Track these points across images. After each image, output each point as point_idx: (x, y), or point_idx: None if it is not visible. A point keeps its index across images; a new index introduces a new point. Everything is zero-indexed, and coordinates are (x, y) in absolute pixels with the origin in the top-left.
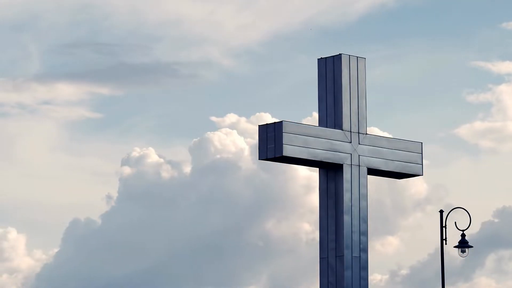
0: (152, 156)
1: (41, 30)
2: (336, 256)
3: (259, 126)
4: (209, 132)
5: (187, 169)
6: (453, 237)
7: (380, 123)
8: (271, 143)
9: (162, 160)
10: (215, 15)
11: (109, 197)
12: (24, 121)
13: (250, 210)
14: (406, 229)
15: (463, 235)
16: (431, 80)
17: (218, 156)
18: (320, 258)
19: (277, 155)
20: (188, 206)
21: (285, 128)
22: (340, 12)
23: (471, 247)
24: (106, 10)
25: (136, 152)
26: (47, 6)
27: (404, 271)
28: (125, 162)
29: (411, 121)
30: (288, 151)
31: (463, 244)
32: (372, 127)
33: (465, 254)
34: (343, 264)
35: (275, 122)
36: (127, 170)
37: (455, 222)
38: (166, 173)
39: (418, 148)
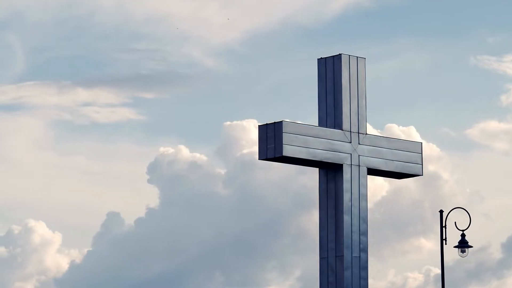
0: (183, 157)
1: (26, 29)
2: (336, 256)
3: (259, 126)
4: (232, 132)
5: (219, 170)
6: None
7: (398, 121)
8: (271, 143)
9: (193, 161)
10: (199, 12)
11: (148, 206)
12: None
13: (281, 209)
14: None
15: (463, 235)
16: (432, 79)
17: (246, 153)
18: (320, 258)
19: (277, 155)
20: (220, 207)
21: (285, 128)
22: (316, 11)
23: (471, 247)
24: (92, 7)
25: (166, 153)
26: (31, 4)
27: (438, 270)
28: (154, 165)
29: (427, 121)
30: (288, 151)
31: (463, 244)
32: (391, 124)
33: (465, 254)
34: (343, 264)
35: (275, 122)
36: (158, 172)
37: (455, 222)
38: (197, 174)
39: (418, 148)
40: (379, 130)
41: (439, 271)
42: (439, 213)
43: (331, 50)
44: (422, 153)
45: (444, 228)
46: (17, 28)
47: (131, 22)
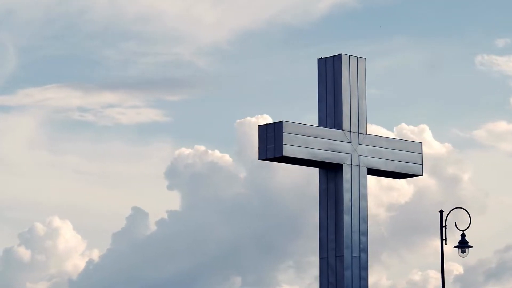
0: (201, 158)
1: (17, 26)
2: (336, 256)
3: (259, 126)
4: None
5: (237, 170)
6: None
7: (410, 120)
8: (271, 143)
9: (211, 161)
10: (190, 11)
11: (168, 209)
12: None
13: (299, 209)
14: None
15: (463, 235)
16: (436, 80)
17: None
18: (320, 258)
19: (277, 155)
20: (238, 207)
21: (285, 128)
22: (303, 10)
23: (471, 247)
24: (83, 4)
25: (183, 154)
26: (22, 1)
27: (460, 270)
28: (172, 166)
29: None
30: (288, 151)
31: (463, 244)
32: (402, 124)
33: (465, 254)
34: (343, 264)
35: (275, 122)
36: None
37: (455, 222)
38: (215, 174)
39: (418, 148)
40: (392, 132)
41: (461, 271)
42: (439, 213)
43: (320, 49)
44: (422, 153)
45: (444, 228)
46: (8, 27)
47: (122, 20)
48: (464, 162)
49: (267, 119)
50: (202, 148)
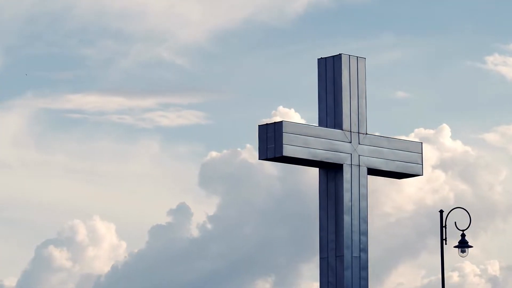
0: (232, 160)
1: (1, 24)
2: (336, 256)
3: (259, 126)
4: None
5: (269, 170)
6: None
7: (431, 124)
8: (271, 143)
9: (243, 162)
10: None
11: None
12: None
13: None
14: (489, 234)
15: (463, 235)
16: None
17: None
18: (320, 258)
19: (277, 155)
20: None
21: (285, 128)
22: (278, 9)
23: (471, 247)
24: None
25: (215, 156)
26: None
27: (496, 271)
28: (205, 167)
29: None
30: (288, 151)
31: (463, 244)
32: (420, 128)
33: (465, 254)
34: (343, 264)
35: (275, 122)
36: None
37: (455, 222)
38: (248, 175)
39: (418, 148)
40: (411, 135)
41: (498, 271)
42: (439, 213)
43: (302, 48)
44: (422, 153)
45: (444, 228)
46: None
47: (106, 17)
48: (495, 166)
49: (291, 115)
50: (232, 150)
